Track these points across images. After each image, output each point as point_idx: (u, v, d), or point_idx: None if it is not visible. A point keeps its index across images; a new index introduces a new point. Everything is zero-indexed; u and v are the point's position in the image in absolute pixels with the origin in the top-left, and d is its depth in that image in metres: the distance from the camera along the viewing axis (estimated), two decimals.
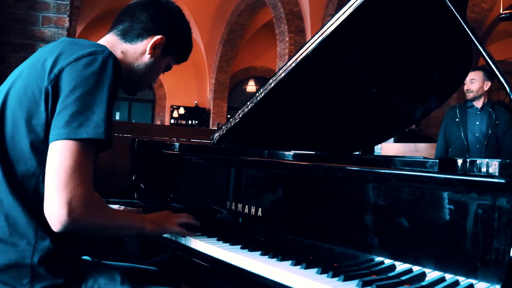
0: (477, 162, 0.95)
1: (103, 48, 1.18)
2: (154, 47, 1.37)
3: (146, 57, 1.38)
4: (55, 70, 1.12)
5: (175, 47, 1.43)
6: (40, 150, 1.13)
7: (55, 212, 1.05)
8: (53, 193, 1.05)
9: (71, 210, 1.04)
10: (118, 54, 1.34)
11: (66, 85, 1.11)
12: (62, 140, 1.07)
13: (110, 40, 1.36)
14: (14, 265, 1.09)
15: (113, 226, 1.21)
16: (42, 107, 1.12)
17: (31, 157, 1.13)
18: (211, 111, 13.94)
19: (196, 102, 14.44)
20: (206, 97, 14.41)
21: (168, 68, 1.48)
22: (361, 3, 1.48)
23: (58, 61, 1.14)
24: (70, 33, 3.00)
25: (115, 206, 1.83)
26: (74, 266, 1.20)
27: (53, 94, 1.11)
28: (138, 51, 1.37)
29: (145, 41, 1.37)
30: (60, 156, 1.07)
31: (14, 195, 1.11)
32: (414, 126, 7.43)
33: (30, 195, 1.13)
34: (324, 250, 1.22)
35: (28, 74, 1.18)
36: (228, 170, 1.60)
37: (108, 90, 1.13)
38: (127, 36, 1.36)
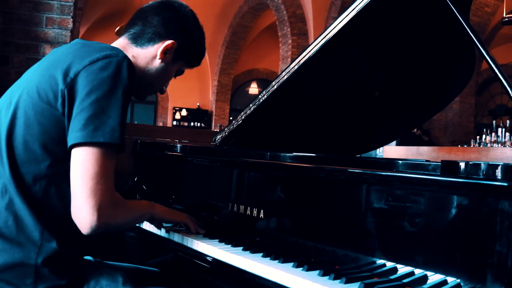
0: (480, 165, 0.95)
1: (118, 51, 1.18)
2: (165, 52, 1.35)
3: (157, 62, 1.36)
4: (71, 74, 1.13)
5: (186, 53, 1.41)
6: (53, 152, 1.14)
7: (85, 217, 1.08)
8: (81, 200, 1.08)
9: (100, 215, 1.09)
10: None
11: (82, 88, 1.11)
12: (82, 147, 1.09)
13: (121, 44, 1.36)
14: (18, 264, 1.09)
15: (133, 219, 1.30)
16: (57, 110, 1.12)
17: (43, 159, 1.13)
18: (214, 113, 13.96)
19: (198, 104, 14.46)
20: (208, 99, 14.43)
21: (180, 72, 1.47)
22: (364, 6, 1.48)
23: (73, 64, 1.14)
24: (73, 34, 3.00)
25: None
26: (77, 267, 1.20)
27: (69, 97, 1.11)
28: (149, 55, 1.36)
29: (156, 46, 1.35)
30: (85, 162, 1.09)
31: (22, 196, 1.11)
32: (415, 129, 7.42)
33: (39, 197, 1.13)
34: (326, 252, 1.22)
35: (41, 76, 1.17)
36: (230, 171, 1.60)
37: (123, 94, 1.13)
38: (138, 40, 1.36)
